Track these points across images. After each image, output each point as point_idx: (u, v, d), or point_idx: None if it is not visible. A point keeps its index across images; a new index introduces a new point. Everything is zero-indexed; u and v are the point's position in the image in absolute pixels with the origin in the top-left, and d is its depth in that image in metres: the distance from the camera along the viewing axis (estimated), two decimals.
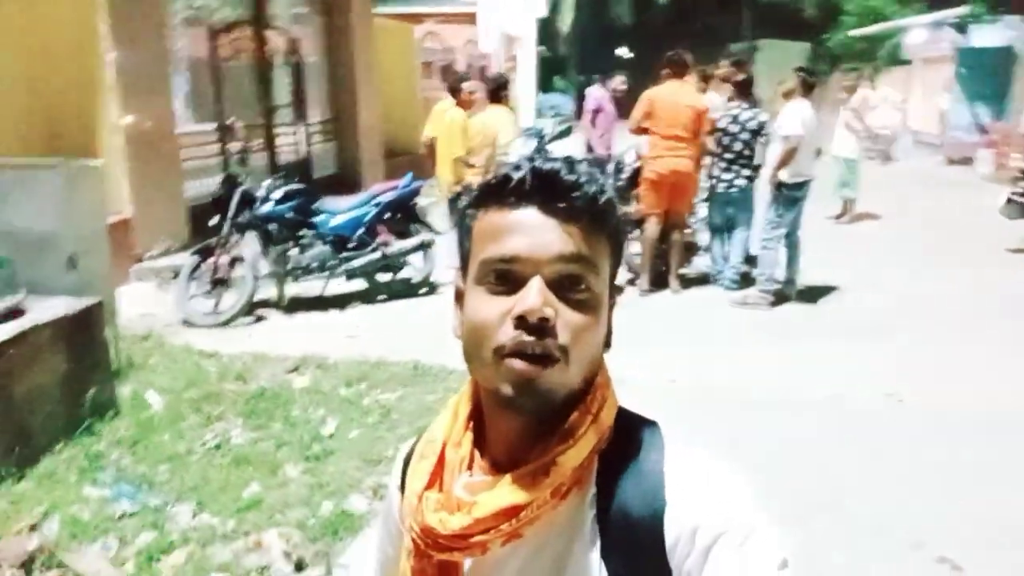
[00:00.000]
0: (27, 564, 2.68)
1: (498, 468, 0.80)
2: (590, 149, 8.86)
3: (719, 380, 4.60)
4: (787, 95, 6.28)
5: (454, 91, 6.72)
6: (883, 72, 18.38)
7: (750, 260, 6.62)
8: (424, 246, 6.37)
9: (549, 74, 28.49)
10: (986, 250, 7.89)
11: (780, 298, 6.14)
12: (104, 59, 6.23)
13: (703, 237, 7.08)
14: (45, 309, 3.59)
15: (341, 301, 6.26)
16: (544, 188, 0.75)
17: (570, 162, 0.77)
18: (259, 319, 5.80)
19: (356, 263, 6.11)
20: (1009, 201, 8.16)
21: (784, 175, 5.88)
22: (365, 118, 10.73)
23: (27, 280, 3.68)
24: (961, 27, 14.83)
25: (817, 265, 6.84)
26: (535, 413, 0.76)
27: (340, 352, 4.94)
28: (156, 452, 3.59)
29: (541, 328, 0.72)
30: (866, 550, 2.90)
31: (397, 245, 6.26)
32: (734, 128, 6.39)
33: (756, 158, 6.45)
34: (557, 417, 0.77)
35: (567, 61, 31.72)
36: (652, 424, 0.83)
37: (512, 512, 0.75)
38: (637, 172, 6.66)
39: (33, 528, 2.85)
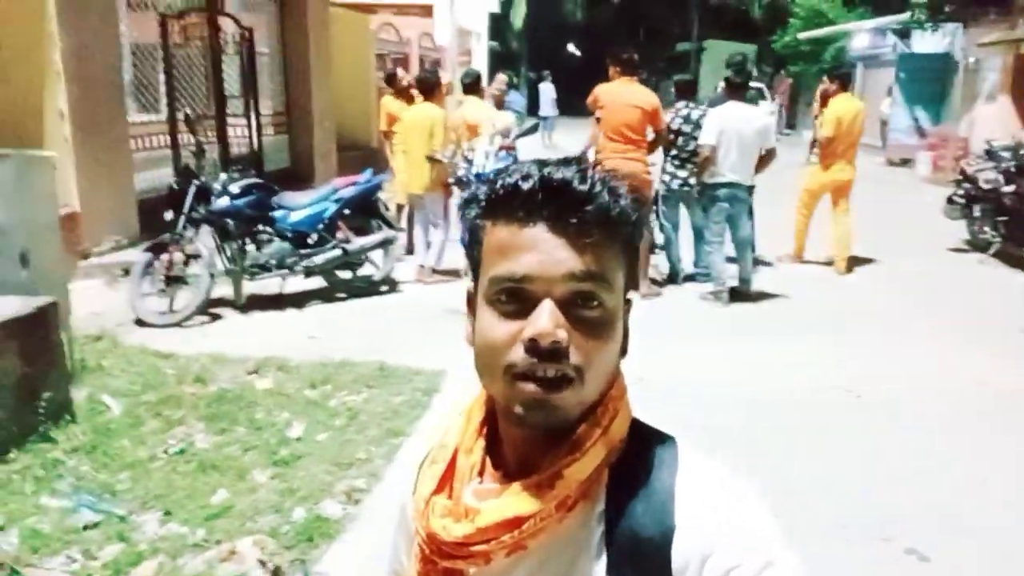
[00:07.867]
0: None
1: (509, 476, 0.79)
2: None
3: (685, 377, 4.63)
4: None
5: (426, 87, 6.59)
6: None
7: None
8: (386, 243, 6.26)
9: (501, 69, 28.40)
10: (926, 249, 8.20)
11: (737, 296, 6.23)
12: (51, 41, 5.92)
13: (659, 236, 7.15)
14: None
15: (299, 300, 6.11)
16: (554, 201, 0.72)
17: (582, 170, 0.74)
18: (215, 318, 5.61)
19: (316, 260, 5.95)
20: (950, 202, 8.50)
21: (706, 176, 6.06)
22: (319, 110, 10.47)
23: None
24: (903, 33, 15.30)
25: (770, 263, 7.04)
26: (548, 431, 0.75)
27: (301, 353, 4.83)
28: (117, 459, 3.47)
29: (553, 352, 0.70)
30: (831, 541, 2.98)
31: (358, 242, 6.10)
32: (687, 128, 6.50)
33: None
34: (571, 428, 0.75)
35: (518, 56, 31.69)
36: (668, 439, 0.81)
37: (515, 523, 0.73)
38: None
39: None
